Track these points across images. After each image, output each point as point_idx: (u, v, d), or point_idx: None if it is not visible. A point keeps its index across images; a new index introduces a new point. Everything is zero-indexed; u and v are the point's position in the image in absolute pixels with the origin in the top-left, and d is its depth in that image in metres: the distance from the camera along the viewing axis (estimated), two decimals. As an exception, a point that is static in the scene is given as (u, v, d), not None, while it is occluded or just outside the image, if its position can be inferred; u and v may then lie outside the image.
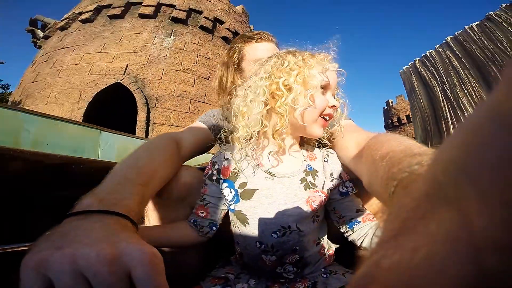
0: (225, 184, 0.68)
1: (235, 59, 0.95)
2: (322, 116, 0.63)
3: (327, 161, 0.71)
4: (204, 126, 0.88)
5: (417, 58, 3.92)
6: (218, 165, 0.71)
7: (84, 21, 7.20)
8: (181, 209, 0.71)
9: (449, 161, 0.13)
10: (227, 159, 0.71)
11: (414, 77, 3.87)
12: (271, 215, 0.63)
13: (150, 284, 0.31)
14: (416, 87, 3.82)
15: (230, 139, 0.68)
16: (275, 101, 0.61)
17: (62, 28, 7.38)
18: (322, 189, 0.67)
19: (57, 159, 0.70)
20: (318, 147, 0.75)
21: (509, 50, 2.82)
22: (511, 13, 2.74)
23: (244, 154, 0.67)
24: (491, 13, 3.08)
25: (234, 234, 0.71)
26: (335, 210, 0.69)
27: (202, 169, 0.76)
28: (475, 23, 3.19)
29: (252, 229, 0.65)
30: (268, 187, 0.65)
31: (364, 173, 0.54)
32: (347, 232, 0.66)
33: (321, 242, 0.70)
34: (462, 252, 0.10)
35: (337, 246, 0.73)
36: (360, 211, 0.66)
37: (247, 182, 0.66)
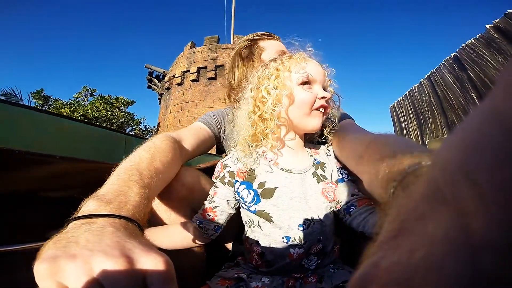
0: (242, 186, 0.60)
1: (256, 53, 0.89)
2: (316, 109, 0.59)
3: (330, 155, 0.66)
4: (204, 126, 0.81)
5: (395, 102, 5.24)
6: (230, 167, 0.62)
7: (193, 80, 9.35)
8: (182, 209, 0.64)
9: (446, 162, 0.13)
10: (240, 161, 0.62)
11: (394, 114, 5.26)
12: (295, 209, 0.57)
13: None
14: (395, 120, 5.16)
15: (238, 145, 0.64)
16: (263, 107, 0.58)
17: (179, 84, 9.77)
18: (332, 180, 0.62)
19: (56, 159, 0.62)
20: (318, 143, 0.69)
21: (426, 107, 4.17)
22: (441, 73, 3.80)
23: (257, 155, 0.62)
24: (422, 79, 4.43)
25: (251, 235, 0.61)
26: (333, 197, 0.62)
27: (203, 170, 0.71)
28: (416, 85, 4.65)
29: (277, 225, 0.57)
30: (287, 183, 0.59)
31: (365, 173, 0.49)
32: (345, 217, 0.59)
33: (335, 233, 0.63)
34: (459, 252, 0.10)
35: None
36: (354, 195, 0.59)
37: (265, 181, 0.59)
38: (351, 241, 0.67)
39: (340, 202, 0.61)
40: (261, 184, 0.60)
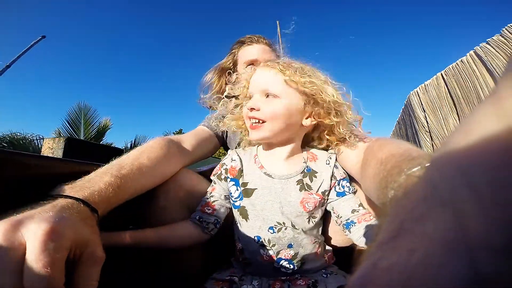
0: (232, 183, 0.63)
1: (230, 64, 0.95)
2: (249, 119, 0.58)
3: (329, 164, 0.62)
4: (206, 128, 0.81)
5: (394, 127, 5.95)
6: (226, 165, 0.64)
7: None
8: (181, 212, 0.63)
9: (444, 164, 0.13)
10: (234, 160, 0.65)
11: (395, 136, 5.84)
12: (268, 212, 0.58)
13: (36, 257, 0.28)
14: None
15: (240, 143, 0.66)
16: None
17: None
18: (317, 191, 0.59)
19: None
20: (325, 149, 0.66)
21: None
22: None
23: (248, 156, 0.64)
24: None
25: (236, 231, 0.63)
26: (334, 210, 0.61)
27: (201, 173, 0.72)
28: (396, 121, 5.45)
29: (251, 224, 0.59)
30: (266, 187, 0.59)
31: (365, 176, 0.49)
32: (345, 232, 0.59)
33: (318, 241, 0.62)
34: (457, 253, 0.10)
35: (331, 248, 0.67)
36: (355, 211, 0.57)
37: (248, 182, 0.61)
38: (348, 248, 0.67)
39: (341, 217, 0.60)
40: (244, 184, 0.62)
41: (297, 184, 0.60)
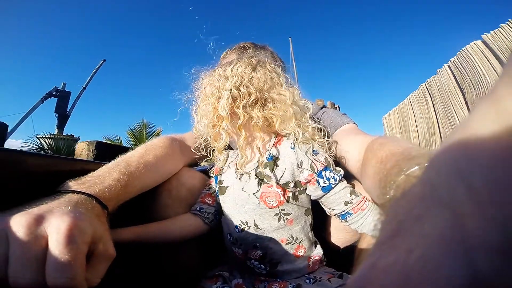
0: (213, 179, 0.65)
1: None
2: None
3: (293, 148, 0.55)
4: None
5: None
6: (216, 164, 0.64)
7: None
8: (182, 210, 0.62)
9: (442, 164, 0.12)
10: (220, 160, 0.65)
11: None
12: (235, 210, 0.57)
13: (60, 251, 0.28)
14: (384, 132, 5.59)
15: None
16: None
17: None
18: (278, 183, 0.54)
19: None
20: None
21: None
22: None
23: (226, 154, 0.63)
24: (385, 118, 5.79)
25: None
26: (324, 203, 0.56)
27: (203, 171, 0.72)
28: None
29: (224, 221, 0.60)
30: (235, 184, 0.58)
31: (365, 175, 0.49)
32: (341, 221, 0.56)
33: (294, 242, 0.56)
34: (455, 253, 0.10)
35: (321, 250, 0.60)
36: (349, 203, 0.52)
37: (223, 180, 0.61)
38: (347, 247, 0.66)
39: (334, 209, 0.56)
40: (220, 181, 0.62)
41: (255, 178, 0.56)
